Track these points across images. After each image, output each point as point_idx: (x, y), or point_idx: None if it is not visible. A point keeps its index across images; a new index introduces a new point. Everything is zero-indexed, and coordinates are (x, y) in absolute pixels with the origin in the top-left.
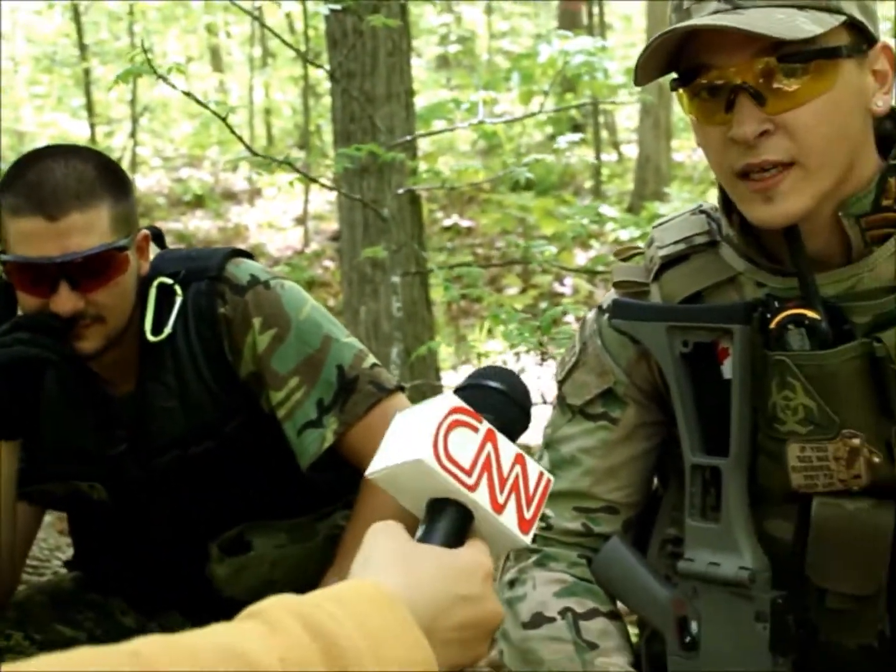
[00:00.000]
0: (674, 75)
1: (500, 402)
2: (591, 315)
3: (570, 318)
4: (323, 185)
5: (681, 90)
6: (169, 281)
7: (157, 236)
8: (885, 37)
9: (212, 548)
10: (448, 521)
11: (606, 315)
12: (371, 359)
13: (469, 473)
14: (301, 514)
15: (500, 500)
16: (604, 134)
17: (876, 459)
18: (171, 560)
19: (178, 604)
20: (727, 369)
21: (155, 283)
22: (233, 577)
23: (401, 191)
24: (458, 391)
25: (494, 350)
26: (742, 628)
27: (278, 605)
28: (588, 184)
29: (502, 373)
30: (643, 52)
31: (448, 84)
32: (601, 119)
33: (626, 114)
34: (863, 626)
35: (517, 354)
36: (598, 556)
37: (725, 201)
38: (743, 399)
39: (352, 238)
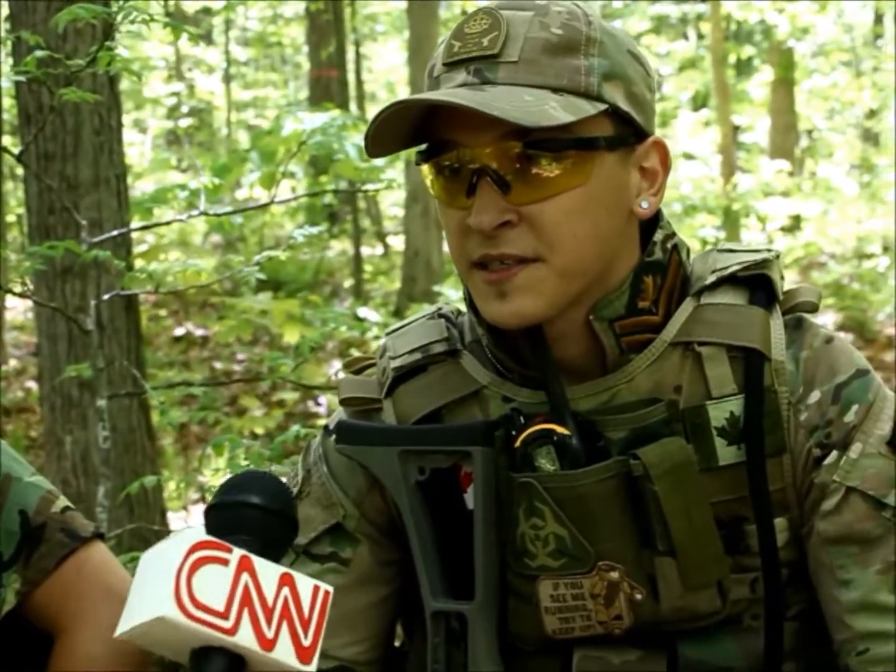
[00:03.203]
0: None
1: (257, 519)
2: (317, 438)
3: None
4: (10, 292)
5: (425, 166)
6: None
7: None
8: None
9: None
10: None
11: (333, 437)
12: (63, 501)
13: (225, 616)
14: None
15: (269, 634)
16: (367, 223)
17: (638, 596)
18: None
19: None
20: (471, 498)
21: None
22: None
23: (106, 296)
24: (209, 511)
25: None
26: None
27: None
28: (348, 282)
29: (256, 480)
30: (372, 121)
31: (179, 165)
32: (362, 206)
33: (393, 199)
34: None
35: None
36: None
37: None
38: (487, 531)
39: (53, 354)
